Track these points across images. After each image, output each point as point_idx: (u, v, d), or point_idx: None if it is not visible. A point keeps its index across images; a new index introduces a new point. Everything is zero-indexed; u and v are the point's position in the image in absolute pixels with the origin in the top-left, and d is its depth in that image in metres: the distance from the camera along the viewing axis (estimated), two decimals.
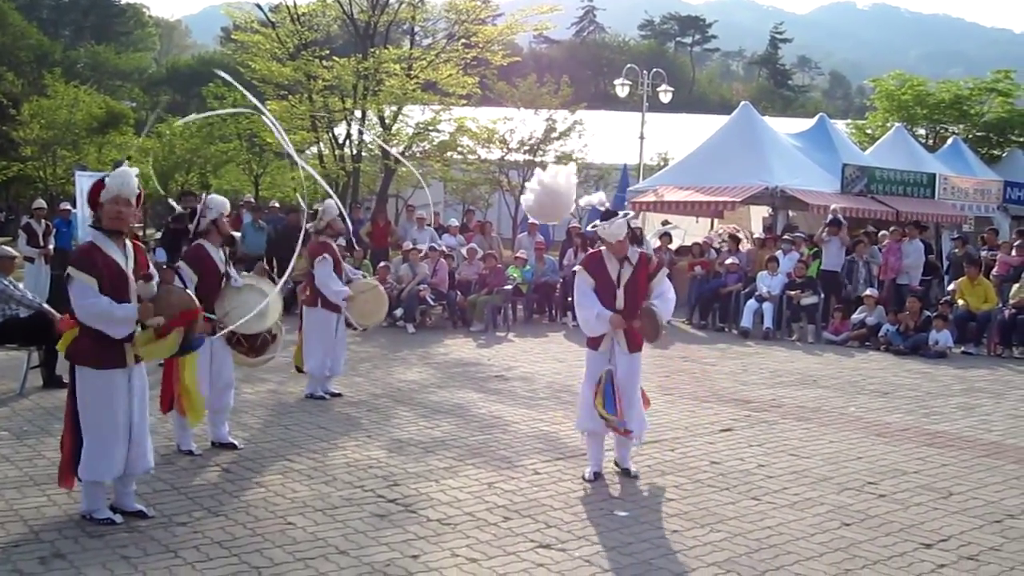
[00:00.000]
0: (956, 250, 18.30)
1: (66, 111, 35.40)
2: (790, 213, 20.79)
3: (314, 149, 27.46)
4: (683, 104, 53.27)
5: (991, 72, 33.29)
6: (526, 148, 29.44)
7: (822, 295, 16.30)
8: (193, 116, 11.91)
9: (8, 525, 5.78)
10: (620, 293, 7.08)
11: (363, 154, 26.20)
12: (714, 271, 17.88)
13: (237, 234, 8.74)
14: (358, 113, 25.67)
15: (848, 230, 17.31)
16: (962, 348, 14.89)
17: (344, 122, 26.07)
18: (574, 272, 7.71)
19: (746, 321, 16.29)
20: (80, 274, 5.64)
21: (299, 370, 10.17)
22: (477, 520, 6.16)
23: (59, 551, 5.38)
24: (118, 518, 5.86)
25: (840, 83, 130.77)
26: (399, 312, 15.75)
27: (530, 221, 19.96)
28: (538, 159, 29.58)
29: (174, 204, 8.45)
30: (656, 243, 18.50)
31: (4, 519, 5.88)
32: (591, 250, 7.79)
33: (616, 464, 7.46)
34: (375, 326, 12.05)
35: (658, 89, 31.48)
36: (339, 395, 10.09)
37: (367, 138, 25.54)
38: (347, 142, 26.11)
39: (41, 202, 18.94)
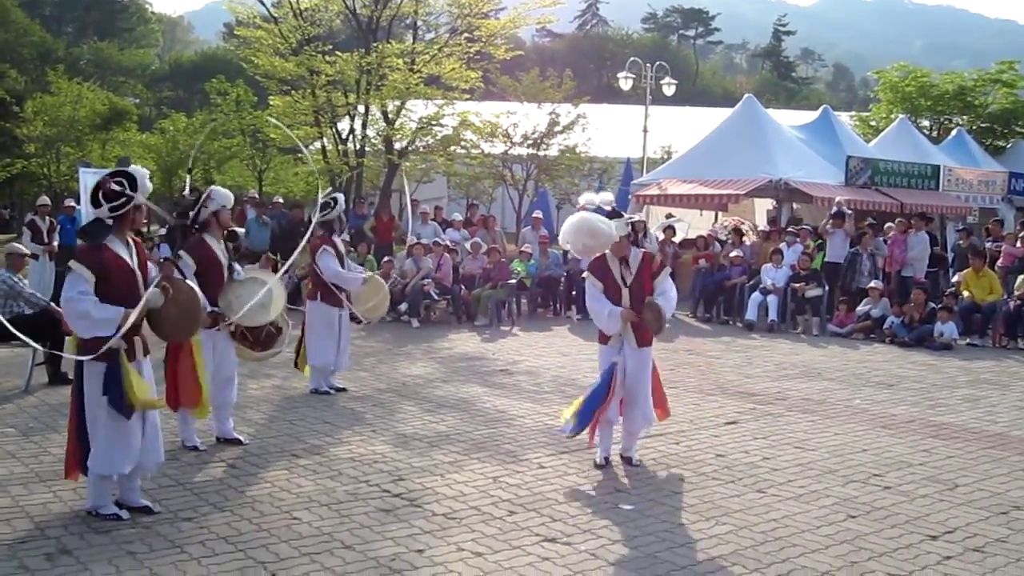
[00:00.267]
0: (961, 242, 18.28)
1: (70, 108, 35.41)
2: (794, 206, 20.75)
3: (317, 144, 27.45)
4: (686, 97, 53.23)
5: (995, 63, 33.13)
6: (529, 142, 29.43)
7: (826, 287, 16.28)
8: None
9: (14, 521, 5.79)
10: (626, 293, 7.34)
11: (366, 149, 26.17)
12: (718, 264, 17.86)
13: (240, 229, 8.74)
14: (361, 108, 25.63)
15: (855, 222, 17.29)
16: (967, 340, 14.87)
17: (347, 117, 26.05)
18: (580, 270, 7.82)
19: (751, 314, 16.27)
20: (79, 266, 5.68)
21: (296, 365, 10.14)
22: (482, 514, 6.16)
23: (65, 547, 5.39)
24: (124, 514, 5.87)
25: (844, 75, 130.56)
26: (403, 307, 15.76)
27: (535, 215, 19.99)
28: (542, 153, 29.59)
29: (190, 188, 8.33)
30: (660, 236, 18.50)
31: (10, 515, 5.89)
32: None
33: (620, 455, 7.60)
34: (379, 319, 12.05)
35: (661, 82, 31.44)
36: (344, 390, 10.10)
37: (370, 133, 25.53)
38: (350, 137, 26.09)
39: (45, 199, 18.97)
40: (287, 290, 9.31)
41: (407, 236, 16.15)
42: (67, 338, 9.25)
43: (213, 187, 7.93)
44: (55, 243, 17.41)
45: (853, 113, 39.36)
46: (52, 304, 10.27)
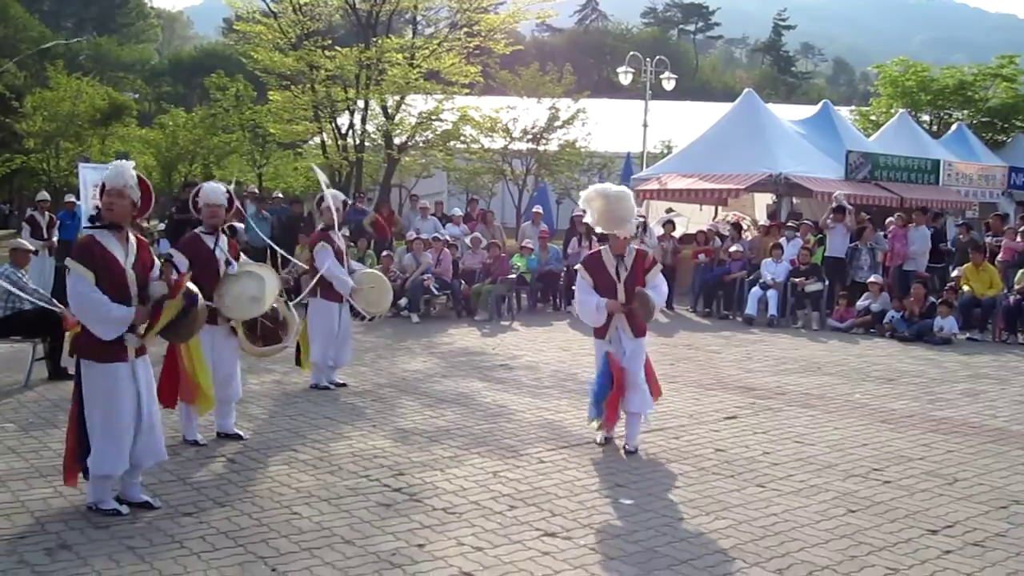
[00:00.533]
0: (961, 236, 18.28)
1: (69, 103, 35.38)
2: (794, 200, 20.76)
3: (317, 139, 27.45)
4: (686, 92, 53.14)
5: (995, 58, 33.13)
6: (529, 137, 29.42)
7: (826, 282, 16.28)
8: None
9: (15, 517, 5.79)
10: (620, 288, 7.65)
11: (366, 144, 26.17)
12: (718, 259, 17.86)
13: (240, 226, 8.74)
14: (361, 103, 25.63)
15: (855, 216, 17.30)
16: (967, 334, 14.87)
17: (347, 112, 26.04)
18: (576, 268, 8.24)
19: (750, 308, 16.27)
20: (77, 266, 5.66)
21: (298, 363, 10.13)
22: (482, 509, 6.16)
23: (65, 542, 5.39)
24: (124, 509, 5.87)
25: (844, 69, 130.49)
26: (403, 302, 15.75)
27: (534, 210, 19.99)
28: (541, 148, 29.57)
29: (185, 184, 8.38)
30: (659, 231, 18.49)
31: (11, 511, 5.89)
32: (595, 238, 8.21)
33: (624, 449, 7.75)
34: (381, 315, 12.04)
35: (661, 77, 31.41)
36: (344, 385, 10.10)
37: (369, 128, 25.54)
38: (350, 132, 26.08)
39: (45, 194, 18.95)
40: (286, 285, 9.29)
41: (406, 231, 16.17)
42: (67, 334, 9.24)
43: (205, 184, 7.92)
44: (55, 239, 17.39)
45: (853, 108, 39.34)
46: (54, 300, 10.27)
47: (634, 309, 7.57)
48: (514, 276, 16.75)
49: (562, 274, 17.70)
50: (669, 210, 22.51)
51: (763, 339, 14.51)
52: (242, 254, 8.00)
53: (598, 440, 7.84)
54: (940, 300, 14.82)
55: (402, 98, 26.38)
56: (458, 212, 20.30)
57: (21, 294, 9.81)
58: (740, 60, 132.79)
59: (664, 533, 5.79)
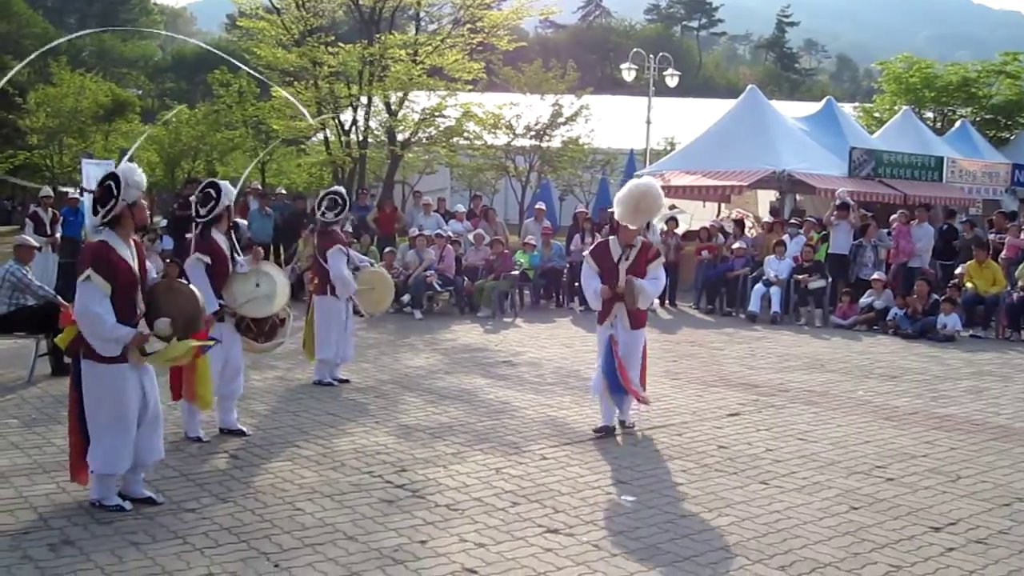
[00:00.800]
0: (965, 233, 18.25)
1: (72, 99, 35.35)
2: (797, 197, 20.73)
3: (320, 135, 27.43)
4: (690, 88, 53.18)
5: (999, 54, 33.03)
6: (532, 133, 29.40)
7: (830, 279, 16.26)
8: None
9: (18, 512, 5.80)
10: (623, 276, 7.99)
11: (369, 140, 26.16)
12: (721, 255, 17.85)
13: (243, 222, 8.76)
14: (364, 99, 25.61)
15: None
16: (970, 331, 14.84)
17: (350, 108, 26.03)
18: (584, 260, 8.71)
19: (753, 305, 16.26)
20: (97, 277, 5.62)
21: (307, 356, 10.18)
22: (485, 505, 6.16)
23: (69, 538, 5.40)
24: (127, 505, 5.88)
25: (847, 66, 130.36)
26: (406, 298, 15.76)
27: (537, 206, 19.97)
28: (544, 144, 29.56)
29: (188, 180, 8.43)
30: (663, 228, 18.48)
31: (14, 506, 5.90)
32: (599, 235, 9.00)
33: (616, 420, 8.25)
34: (382, 313, 12.06)
35: (664, 73, 31.40)
36: (347, 381, 10.11)
37: (372, 124, 25.53)
38: (353, 128, 26.08)
39: (48, 190, 18.96)
40: (290, 282, 9.31)
41: (409, 227, 16.17)
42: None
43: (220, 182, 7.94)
44: (58, 235, 17.40)
45: (857, 104, 39.24)
46: (58, 297, 10.28)
47: (622, 294, 7.95)
48: (517, 273, 16.75)
49: (565, 271, 17.69)
50: (672, 207, 22.43)
51: (766, 336, 14.50)
52: (260, 250, 8.03)
53: (596, 428, 8.15)
54: (943, 297, 14.80)
55: (405, 94, 26.35)
56: (461, 208, 20.29)
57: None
58: (743, 57, 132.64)
59: (667, 530, 5.79)
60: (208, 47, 17.94)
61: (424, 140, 27.09)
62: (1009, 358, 12.94)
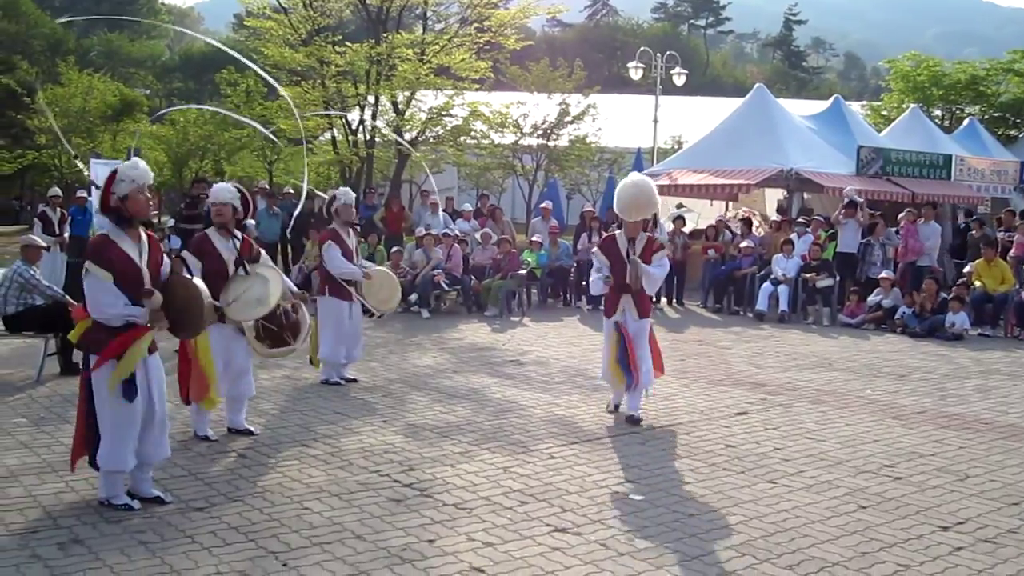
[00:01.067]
0: (973, 231, 18.20)
1: (80, 99, 35.46)
2: (805, 195, 20.71)
3: (327, 135, 27.47)
4: (697, 87, 53.08)
5: (1007, 52, 32.97)
6: (539, 132, 29.40)
7: (837, 277, 16.24)
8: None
9: (27, 511, 5.82)
10: (630, 268, 8.49)
11: (376, 140, 26.18)
12: (729, 254, 17.83)
13: (251, 222, 8.75)
14: (371, 98, 25.64)
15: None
16: (979, 330, 14.82)
17: (357, 107, 26.06)
18: (592, 254, 9.48)
19: (761, 304, 16.24)
20: (98, 269, 5.67)
21: (312, 362, 10.13)
22: (493, 504, 6.17)
23: (77, 537, 5.42)
24: (136, 504, 5.89)
25: (855, 64, 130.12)
26: (413, 297, 15.76)
27: (543, 205, 19.97)
28: (551, 143, 29.55)
29: (196, 180, 8.42)
30: (670, 227, 18.46)
31: (23, 505, 5.92)
32: (606, 233, 9.63)
33: (627, 415, 8.61)
34: (391, 312, 12.04)
35: (672, 72, 31.34)
36: (354, 381, 10.12)
37: (379, 123, 25.54)
38: (360, 127, 26.10)
39: (56, 190, 19.01)
40: (296, 281, 9.30)
41: (416, 227, 16.16)
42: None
43: (216, 184, 7.92)
44: (66, 234, 17.45)
45: (864, 103, 39.21)
46: (66, 296, 10.30)
47: (628, 274, 8.46)
48: (524, 272, 16.74)
49: (572, 270, 17.69)
50: (680, 206, 22.45)
51: (774, 335, 14.48)
52: (262, 252, 7.97)
53: (608, 407, 8.93)
54: (952, 296, 14.77)
55: (412, 94, 26.38)
56: (468, 208, 20.29)
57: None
58: (751, 55, 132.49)
59: (674, 529, 5.79)
60: (220, 45, 17.88)
61: (431, 139, 27.10)
62: (1017, 356, 12.91)
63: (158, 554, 5.18)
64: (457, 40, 26.06)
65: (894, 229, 17.25)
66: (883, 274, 15.81)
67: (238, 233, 7.66)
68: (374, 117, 25.77)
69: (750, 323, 15.75)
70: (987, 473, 7.14)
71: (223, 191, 7.66)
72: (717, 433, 8.23)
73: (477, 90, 27.61)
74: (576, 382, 10.35)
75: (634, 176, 8.91)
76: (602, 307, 9.15)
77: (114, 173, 5.86)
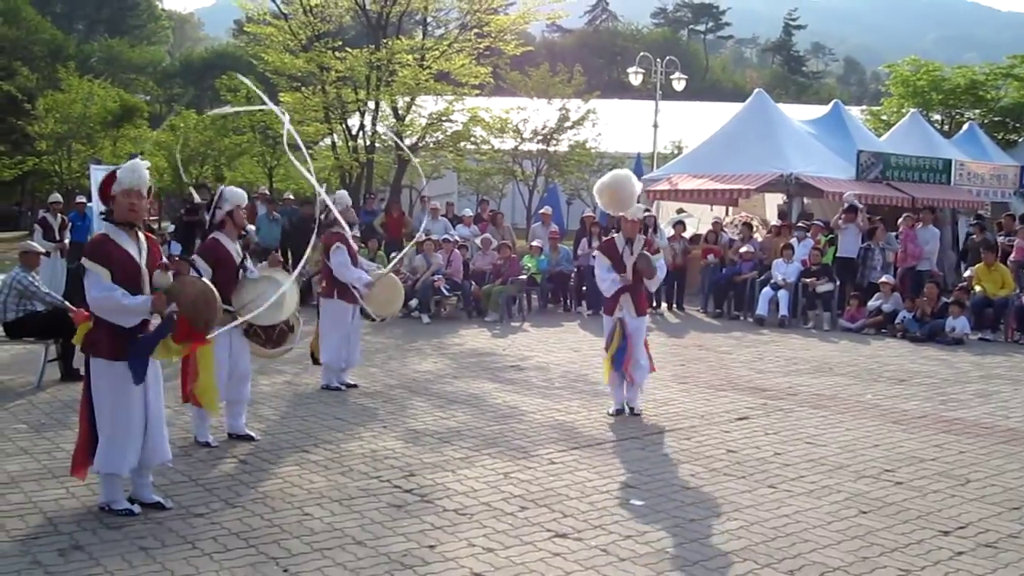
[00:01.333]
0: (974, 236, 18.20)
1: (81, 105, 35.51)
2: (805, 200, 20.70)
3: (327, 140, 27.47)
4: (697, 92, 53.11)
5: (1007, 57, 33.01)
6: (540, 138, 29.42)
7: (838, 282, 16.24)
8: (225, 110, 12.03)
9: (28, 517, 5.81)
10: (629, 268, 8.94)
11: (376, 145, 26.20)
12: (728, 259, 17.84)
13: (251, 227, 8.76)
14: (371, 104, 25.66)
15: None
16: (979, 335, 14.82)
17: (357, 113, 26.07)
18: (593, 258, 9.90)
19: (761, 309, 16.24)
20: (94, 265, 5.69)
21: (315, 360, 10.18)
22: (493, 510, 6.16)
23: (78, 543, 5.42)
24: (136, 509, 5.89)
25: (854, 69, 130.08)
26: (414, 303, 15.77)
27: (543, 211, 19.99)
28: (551, 148, 29.57)
29: (194, 193, 8.44)
30: (670, 232, 18.47)
31: (23, 511, 5.92)
32: (606, 237, 9.79)
33: (627, 406, 9.08)
34: (392, 316, 12.06)
35: (671, 77, 31.37)
36: (355, 386, 10.12)
37: (380, 129, 25.56)
38: (360, 133, 26.11)
39: (57, 196, 19.01)
40: (299, 287, 9.30)
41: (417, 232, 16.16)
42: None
43: (226, 188, 7.94)
44: (66, 240, 17.44)
45: (864, 107, 39.30)
46: (66, 302, 10.31)
47: (638, 267, 8.89)
48: (524, 277, 16.76)
49: (572, 275, 17.69)
50: (680, 211, 22.50)
51: (774, 340, 14.48)
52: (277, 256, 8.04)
53: (610, 411, 9.07)
54: (952, 300, 14.77)
55: (412, 99, 26.39)
56: (469, 213, 20.31)
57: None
58: (750, 60, 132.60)
59: (675, 534, 5.79)
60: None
61: (431, 145, 27.12)
62: (1018, 361, 12.90)
63: (159, 560, 5.18)
64: (457, 46, 26.07)
65: (894, 234, 17.26)
66: (883, 278, 15.81)
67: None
68: (374, 123, 25.78)
69: (750, 328, 15.75)
70: (988, 477, 7.14)
71: (239, 194, 7.74)
72: (718, 438, 8.23)
73: (477, 95, 27.62)
74: (576, 387, 10.35)
75: (612, 172, 9.16)
76: (602, 311, 9.50)
77: (112, 174, 5.88)
